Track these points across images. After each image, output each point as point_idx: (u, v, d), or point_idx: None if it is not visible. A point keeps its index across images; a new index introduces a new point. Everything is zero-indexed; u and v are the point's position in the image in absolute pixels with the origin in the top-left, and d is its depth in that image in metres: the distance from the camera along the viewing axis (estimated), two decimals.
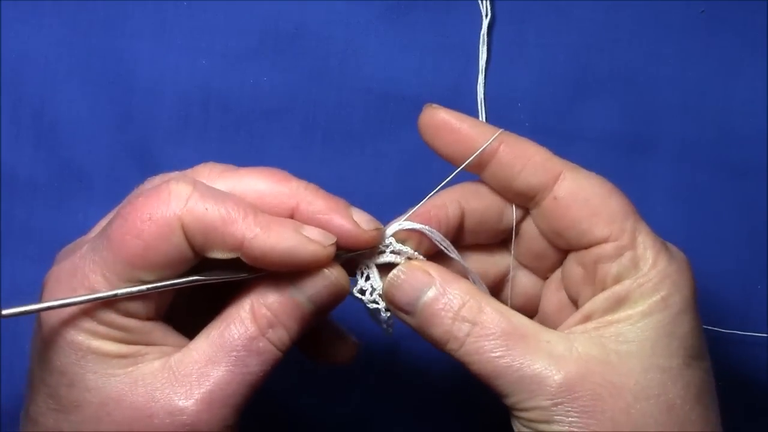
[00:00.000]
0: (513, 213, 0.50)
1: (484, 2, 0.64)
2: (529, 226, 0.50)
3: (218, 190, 0.45)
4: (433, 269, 0.47)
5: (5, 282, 0.64)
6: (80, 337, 0.43)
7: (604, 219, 0.46)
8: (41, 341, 0.44)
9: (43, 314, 0.44)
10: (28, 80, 0.64)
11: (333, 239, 0.45)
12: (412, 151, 0.64)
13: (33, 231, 0.64)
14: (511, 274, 0.52)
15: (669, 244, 0.47)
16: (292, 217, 0.46)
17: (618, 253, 0.46)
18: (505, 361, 0.44)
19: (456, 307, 0.45)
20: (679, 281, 0.45)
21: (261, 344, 0.45)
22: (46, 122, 0.64)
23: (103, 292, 0.43)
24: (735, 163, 0.63)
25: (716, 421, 0.45)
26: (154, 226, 0.42)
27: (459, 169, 0.49)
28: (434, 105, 0.49)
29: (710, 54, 0.64)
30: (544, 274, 0.52)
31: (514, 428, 0.45)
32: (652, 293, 0.45)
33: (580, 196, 0.47)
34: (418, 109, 0.63)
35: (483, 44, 0.64)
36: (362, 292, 0.48)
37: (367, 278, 0.48)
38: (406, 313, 0.47)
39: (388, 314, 0.48)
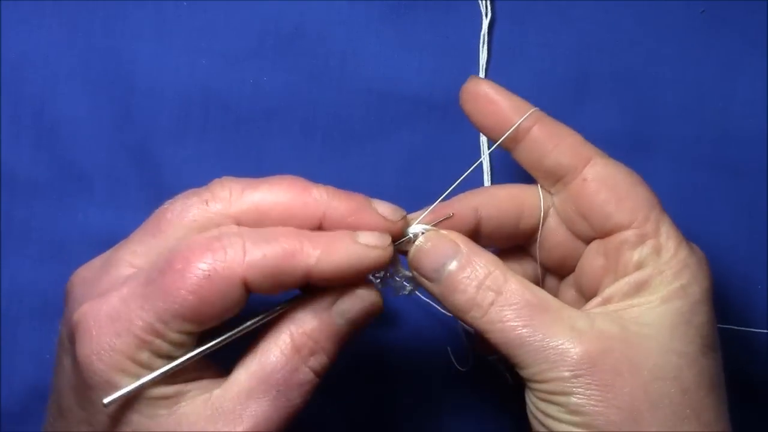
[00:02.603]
0: (540, 194, 0.51)
1: (485, 2, 0.64)
2: (551, 222, 0.51)
3: (264, 230, 0.45)
4: (460, 239, 0.48)
5: (5, 282, 0.64)
6: (126, 382, 0.43)
7: (630, 206, 0.47)
8: (82, 382, 0.44)
9: (84, 358, 0.43)
10: (28, 80, 0.64)
11: (389, 238, 0.46)
12: (412, 151, 0.64)
13: (33, 231, 0.64)
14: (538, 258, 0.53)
15: (689, 241, 0.48)
16: (320, 225, 0.46)
17: (640, 241, 0.47)
18: (527, 330, 0.45)
19: (481, 277, 0.46)
20: (698, 272, 0.46)
21: (302, 375, 0.45)
22: (46, 122, 0.64)
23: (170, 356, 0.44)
24: (735, 163, 0.63)
25: (727, 415, 0.46)
26: (213, 284, 0.42)
27: (495, 145, 0.50)
28: (478, 77, 0.50)
29: (710, 54, 0.64)
30: (562, 276, 0.53)
31: (528, 402, 0.46)
32: (672, 281, 0.46)
33: (609, 181, 0.48)
34: (418, 109, 0.64)
35: (484, 44, 0.64)
36: (381, 274, 0.49)
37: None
38: (430, 280, 0.48)
39: (401, 293, 0.49)
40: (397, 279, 0.49)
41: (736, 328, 0.48)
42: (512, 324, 0.45)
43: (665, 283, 0.46)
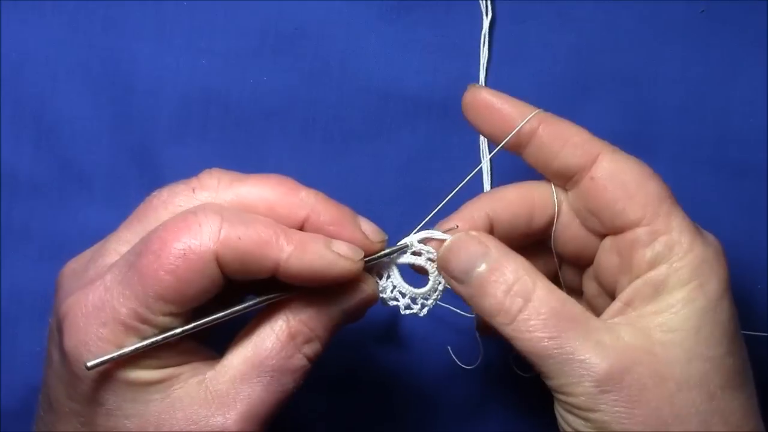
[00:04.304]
0: (553, 193, 0.51)
1: (485, 1, 0.64)
2: (564, 218, 0.51)
3: (243, 213, 0.45)
4: (491, 241, 0.48)
5: (5, 282, 0.64)
6: (115, 370, 0.43)
7: (639, 201, 0.47)
8: (70, 374, 0.44)
9: (72, 349, 0.43)
10: (28, 80, 0.64)
11: (362, 253, 0.46)
12: (412, 151, 0.64)
13: (33, 231, 0.64)
14: (556, 261, 0.53)
15: (703, 230, 0.48)
16: (302, 227, 0.46)
17: (652, 238, 0.46)
18: (554, 342, 0.44)
19: (510, 281, 0.46)
20: (715, 266, 0.46)
21: (296, 361, 0.45)
22: (46, 122, 0.64)
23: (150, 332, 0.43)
24: (735, 163, 0.63)
25: (756, 409, 0.46)
26: (189, 263, 0.42)
27: (498, 148, 0.50)
28: (477, 84, 0.50)
29: (710, 54, 0.64)
30: (582, 268, 0.53)
31: (557, 415, 0.46)
32: (690, 279, 0.45)
33: (617, 177, 0.48)
34: (418, 109, 0.64)
35: (484, 44, 0.64)
36: (382, 290, 0.50)
37: (388, 277, 0.50)
38: (459, 282, 0.47)
39: (408, 312, 0.50)
40: (393, 294, 0.50)
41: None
42: (539, 335, 0.45)
43: (682, 282, 0.45)
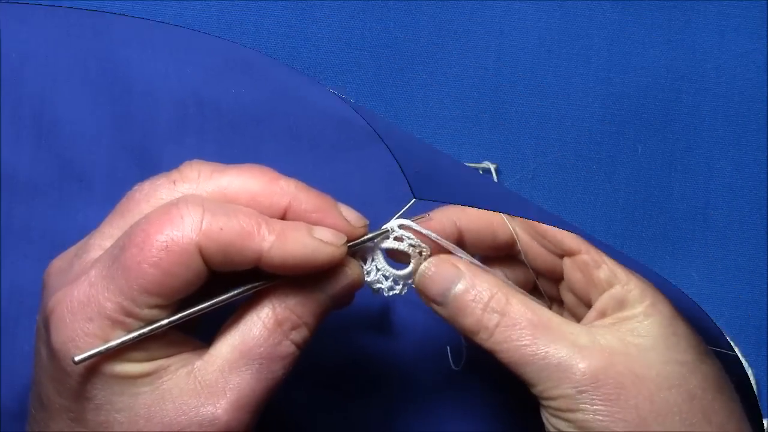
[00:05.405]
0: (507, 222, 0.53)
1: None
2: (524, 239, 0.53)
3: (225, 204, 0.45)
4: (461, 263, 0.49)
5: (5, 282, 0.64)
6: (103, 365, 0.43)
7: (572, 235, 0.50)
8: (59, 370, 0.44)
9: (59, 345, 0.43)
10: (28, 80, 0.64)
11: (344, 238, 0.47)
12: None
13: (33, 231, 0.64)
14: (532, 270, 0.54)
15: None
16: (283, 216, 0.46)
17: (597, 264, 0.49)
18: (531, 349, 0.46)
19: (485, 299, 0.47)
20: (658, 293, 0.48)
21: (284, 348, 0.45)
22: (46, 122, 0.64)
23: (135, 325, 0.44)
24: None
25: (740, 413, 0.47)
26: (172, 255, 0.43)
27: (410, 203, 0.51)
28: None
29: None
30: (557, 281, 0.54)
31: (543, 418, 0.47)
32: (642, 299, 0.47)
33: None
34: None
35: None
36: (367, 273, 0.50)
37: (371, 261, 0.50)
38: (438, 304, 0.49)
39: (391, 293, 0.51)
40: (377, 277, 0.50)
41: (716, 349, 0.49)
42: (517, 344, 0.46)
43: (637, 300, 0.47)
